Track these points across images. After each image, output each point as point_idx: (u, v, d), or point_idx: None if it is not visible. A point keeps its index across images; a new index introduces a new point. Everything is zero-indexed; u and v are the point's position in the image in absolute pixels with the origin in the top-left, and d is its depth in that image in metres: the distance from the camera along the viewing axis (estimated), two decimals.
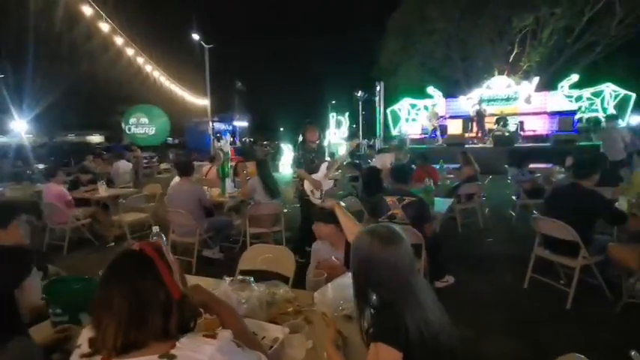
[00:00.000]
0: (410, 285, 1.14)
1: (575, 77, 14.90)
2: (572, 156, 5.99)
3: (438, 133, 14.22)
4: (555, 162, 7.63)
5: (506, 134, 12.79)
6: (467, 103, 16.04)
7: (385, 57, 19.67)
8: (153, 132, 17.69)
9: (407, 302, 1.12)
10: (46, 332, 1.35)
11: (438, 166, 6.27)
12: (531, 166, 6.28)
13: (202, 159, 9.49)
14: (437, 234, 3.40)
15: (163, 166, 13.82)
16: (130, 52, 13.12)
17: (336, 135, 17.76)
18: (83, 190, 5.63)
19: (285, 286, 1.72)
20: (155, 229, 1.92)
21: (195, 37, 14.60)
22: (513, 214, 5.78)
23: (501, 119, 13.42)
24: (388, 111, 17.63)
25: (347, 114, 18.70)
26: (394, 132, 17.30)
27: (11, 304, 1.16)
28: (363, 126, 16.68)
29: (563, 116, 14.40)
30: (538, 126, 15.00)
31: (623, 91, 14.27)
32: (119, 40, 11.82)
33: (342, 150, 12.39)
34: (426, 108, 16.64)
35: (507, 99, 15.78)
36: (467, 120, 15.11)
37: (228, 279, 1.57)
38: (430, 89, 16.92)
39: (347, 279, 1.55)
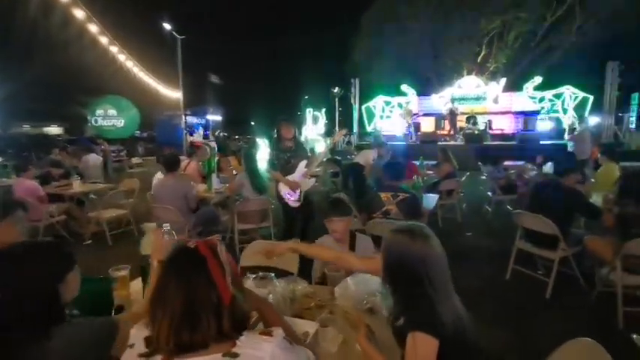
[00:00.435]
0: (444, 278, 1.20)
1: (538, 79, 15.75)
2: (542, 154, 6.36)
3: (412, 130, 14.58)
4: (521, 159, 8.09)
5: (476, 132, 13.32)
6: (439, 101, 16.54)
7: (359, 54, 19.88)
8: (122, 124, 16.98)
9: (441, 295, 1.18)
10: None
11: (418, 163, 6.44)
12: (505, 163, 6.60)
13: (176, 153, 9.20)
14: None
15: (135, 160, 13.29)
16: (95, 38, 12.43)
17: (313, 131, 17.77)
18: (55, 186, 5.35)
19: (303, 281, 1.74)
20: (166, 226, 1.88)
21: (167, 27, 14.11)
22: (489, 209, 6.06)
23: (471, 118, 13.94)
24: (363, 107, 17.86)
25: (323, 110, 18.75)
26: (369, 128, 17.55)
27: (57, 300, 1.12)
28: (340, 122, 16.79)
29: (528, 116, 15.20)
30: (505, 125, 15.73)
31: (581, 94, 15.24)
32: (82, 25, 11.11)
33: (321, 147, 12.42)
34: (399, 105, 17.00)
35: (477, 98, 16.43)
36: (439, 118, 15.58)
37: (251, 276, 1.57)
38: (404, 87, 17.30)
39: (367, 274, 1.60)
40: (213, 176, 4.72)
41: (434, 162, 7.45)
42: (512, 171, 6.33)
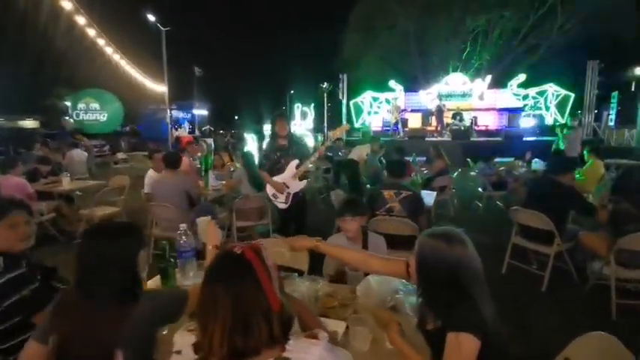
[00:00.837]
0: (482, 279, 1.23)
1: (522, 77, 16.12)
2: (530, 150, 6.53)
3: (400, 126, 14.70)
4: (508, 156, 8.30)
5: (462, 128, 13.55)
6: (426, 97, 16.72)
7: (348, 50, 19.91)
8: (105, 119, 16.49)
9: (484, 296, 1.21)
10: None
11: (410, 159, 6.53)
12: (496, 160, 6.75)
13: (160, 149, 9.00)
14: (431, 225, 3.57)
15: (120, 155, 12.94)
16: (71, 24, 11.73)
17: (302, 126, 17.70)
18: (43, 183, 5.18)
19: (323, 280, 1.75)
20: (183, 226, 1.86)
21: (152, 18, 13.74)
22: (480, 204, 6.19)
23: (457, 114, 14.17)
24: (351, 103, 17.89)
25: (312, 105, 18.69)
26: (357, 124, 17.61)
27: (137, 270, 1.24)
28: (329, 117, 16.78)
29: (512, 112, 15.56)
30: (490, 121, 16.04)
31: (563, 91, 15.69)
32: (54, 10, 10.40)
33: (311, 142, 12.39)
34: (387, 101, 17.11)
35: (463, 95, 16.70)
36: (426, 114, 15.77)
37: None
38: (392, 83, 17.41)
39: None
40: (210, 173, 4.66)
41: (423, 158, 7.59)
42: (502, 168, 6.48)
